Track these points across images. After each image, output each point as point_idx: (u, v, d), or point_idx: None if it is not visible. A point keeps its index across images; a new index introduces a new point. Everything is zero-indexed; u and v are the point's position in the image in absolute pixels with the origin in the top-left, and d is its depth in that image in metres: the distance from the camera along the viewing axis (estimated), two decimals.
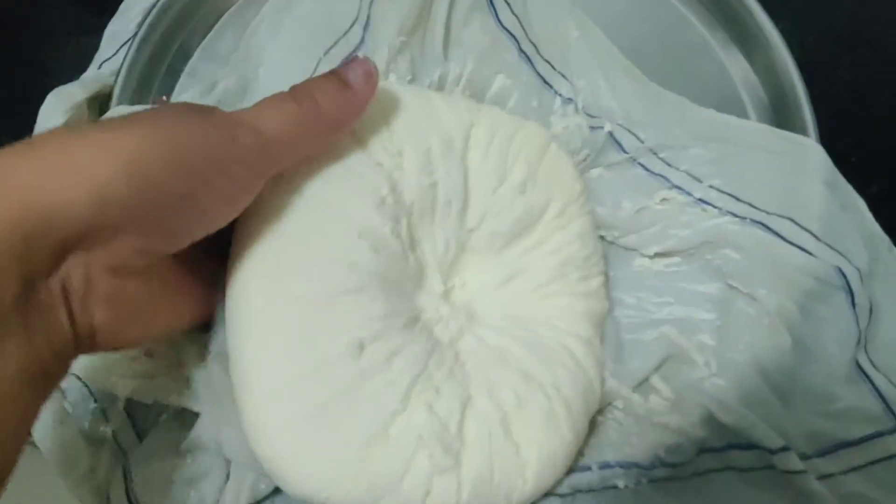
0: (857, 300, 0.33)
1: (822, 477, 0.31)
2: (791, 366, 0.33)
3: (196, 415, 0.30)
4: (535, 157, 0.33)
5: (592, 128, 0.38)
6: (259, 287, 0.27)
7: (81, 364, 0.31)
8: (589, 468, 0.32)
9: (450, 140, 0.32)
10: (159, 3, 0.40)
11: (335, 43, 0.39)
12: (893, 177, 0.36)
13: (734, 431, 0.32)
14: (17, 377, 0.20)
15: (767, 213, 0.35)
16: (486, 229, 0.32)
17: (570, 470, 0.31)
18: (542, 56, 0.40)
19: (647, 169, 0.37)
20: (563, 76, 0.40)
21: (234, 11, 0.43)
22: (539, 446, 0.29)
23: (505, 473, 0.28)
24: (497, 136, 0.33)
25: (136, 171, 0.22)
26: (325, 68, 0.38)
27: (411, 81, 0.39)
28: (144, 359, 0.31)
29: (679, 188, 0.37)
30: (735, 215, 0.35)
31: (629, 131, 0.38)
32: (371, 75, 0.27)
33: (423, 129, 0.31)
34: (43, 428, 0.30)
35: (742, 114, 0.40)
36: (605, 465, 0.32)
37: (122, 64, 0.40)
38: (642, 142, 0.37)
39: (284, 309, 0.27)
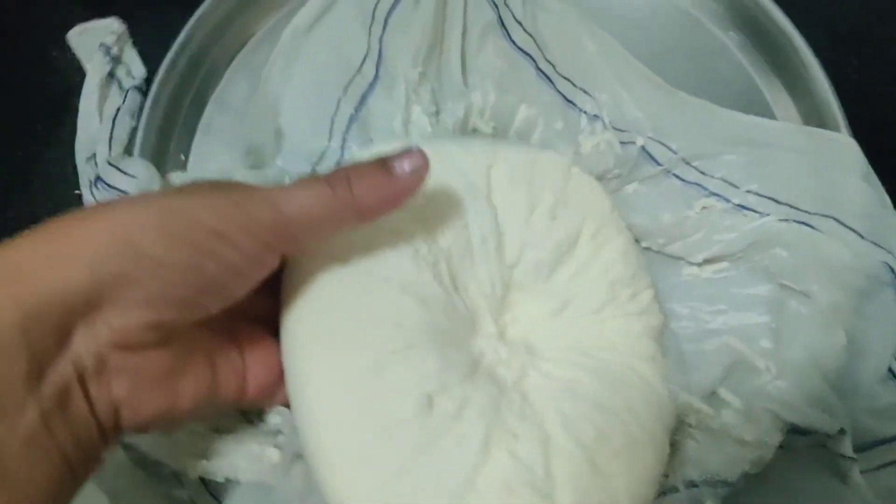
0: None
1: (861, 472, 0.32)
2: (844, 363, 0.33)
3: None
4: (559, 181, 0.33)
5: (623, 143, 0.38)
6: (317, 364, 0.27)
7: (150, 442, 0.30)
8: (676, 489, 0.31)
9: (472, 184, 0.32)
10: (166, 61, 0.40)
11: (351, 80, 0.38)
12: None
13: (799, 428, 0.33)
14: (34, 459, 0.20)
15: (809, 213, 0.35)
16: (527, 261, 0.32)
17: (661, 492, 0.31)
18: (560, 74, 0.40)
19: (682, 179, 0.37)
20: (585, 92, 0.39)
21: (241, 59, 0.42)
22: (626, 474, 0.29)
23: None
24: (517, 170, 0.33)
25: (131, 243, 0.22)
26: (345, 108, 0.37)
27: (436, 114, 0.38)
28: (212, 435, 0.30)
29: (717, 195, 0.37)
30: (778, 218, 0.35)
31: (660, 143, 0.37)
32: (419, 169, 0.27)
33: (442, 180, 0.31)
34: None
35: (768, 114, 0.40)
36: (691, 484, 0.32)
37: (137, 125, 0.39)
38: (675, 152, 0.37)
39: (346, 381, 0.27)
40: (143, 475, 0.31)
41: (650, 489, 0.30)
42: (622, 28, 0.41)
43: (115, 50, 0.41)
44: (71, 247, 0.21)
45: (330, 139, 0.37)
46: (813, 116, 0.39)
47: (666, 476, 0.31)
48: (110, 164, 0.36)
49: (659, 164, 0.37)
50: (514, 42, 0.41)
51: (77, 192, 0.39)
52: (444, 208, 0.30)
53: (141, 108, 0.40)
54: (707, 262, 0.36)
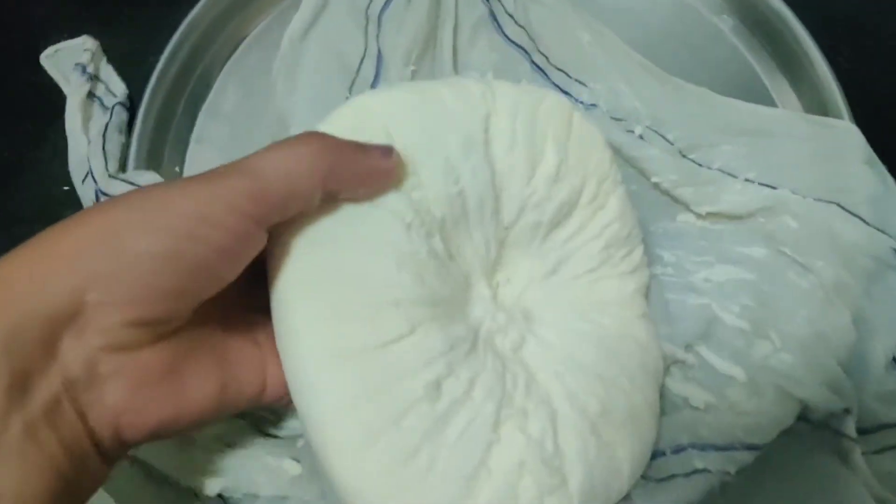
0: None
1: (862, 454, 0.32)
2: (851, 343, 0.33)
3: None
4: (562, 133, 0.31)
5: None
6: (313, 343, 0.26)
7: (163, 460, 0.30)
8: (663, 453, 0.32)
9: (468, 136, 0.29)
10: (156, 71, 0.39)
11: (353, 81, 0.38)
12: (894, 163, 0.36)
13: (806, 405, 0.32)
14: (21, 475, 0.20)
15: (814, 199, 0.35)
16: (525, 223, 0.31)
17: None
18: (554, 65, 0.40)
19: None
20: (581, 83, 0.39)
21: (231, 66, 0.42)
22: (629, 442, 0.29)
23: (605, 477, 0.28)
24: (519, 121, 0.30)
25: (113, 242, 0.22)
26: None
27: None
28: (227, 450, 0.30)
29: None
30: (783, 188, 0.35)
31: (658, 133, 0.37)
32: (391, 154, 0.27)
33: (435, 134, 0.29)
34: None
35: (769, 102, 0.40)
36: (678, 448, 0.32)
37: (129, 140, 0.39)
38: (672, 143, 0.37)
39: (346, 363, 0.25)
40: (155, 489, 0.30)
41: (648, 452, 0.30)
42: (615, 17, 0.41)
43: (91, 68, 0.40)
44: (54, 256, 0.21)
45: None
46: (814, 104, 0.39)
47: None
48: (113, 176, 0.36)
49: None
50: (506, 35, 0.41)
51: (66, 188, 0.38)
52: (436, 175, 0.28)
53: (129, 123, 0.39)
54: (710, 215, 0.36)
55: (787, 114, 0.37)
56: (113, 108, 0.39)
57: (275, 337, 0.27)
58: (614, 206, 0.32)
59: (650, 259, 0.35)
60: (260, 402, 0.28)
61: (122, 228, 0.22)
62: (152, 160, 0.39)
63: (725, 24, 0.42)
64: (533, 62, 0.40)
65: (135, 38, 0.42)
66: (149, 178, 0.36)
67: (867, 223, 0.34)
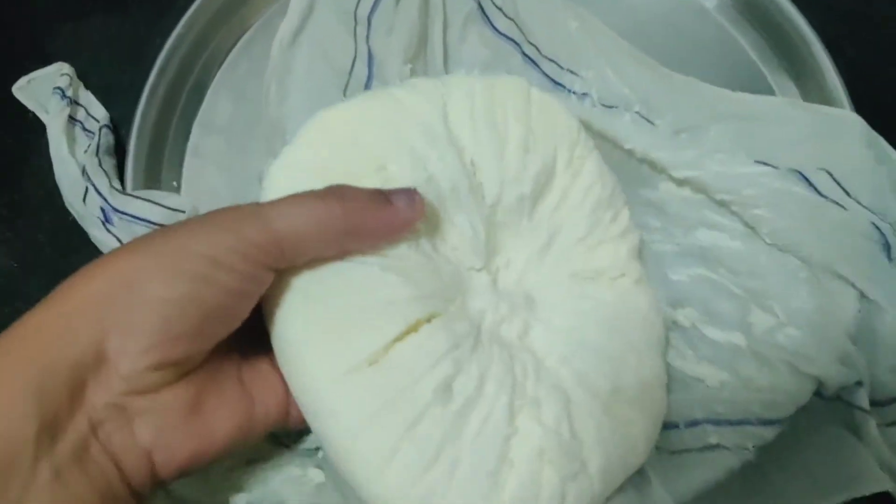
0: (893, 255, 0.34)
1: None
2: (857, 315, 0.34)
3: None
4: (522, 109, 0.32)
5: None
6: (317, 365, 0.26)
7: (185, 485, 0.29)
8: (676, 425, 0.32)
9: (428, 125, 0.30)
10: (148, 85, 0.39)
11: (347, 84, 0.37)
12: None
13: (819, 381, 0.33)
14: None
15: (801, 171, 0.35)
16: (509, 198, 0.31)
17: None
18: (545, 56, 0.40)
19: None
20: (572, 72, 0.39)
21: (221, 77, 0.41)
22: (642, 419, 0.29)
23: (622, 454, 0.28)
24: (477, 104, 0.31)
25: (131, 288, 0.23)
26: None
27: None
28: (248, 467, 0.30)
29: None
30: (767, 164, 0.35)
31: (647, 119, 0.37)
32: (415, 201, 0.27)
33: (396, 131, 0.30)
34: None
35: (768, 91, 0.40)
36: (692, 423, 0.32)
37: (124, 161, 0.38)
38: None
39: (354, 378, 0.25)
40: None
41: (660, 423, 0.31)
42: (610, 6, 0.41)
43: (69, 92, 0.39)
44: (77, 307, 0.22)
45: None
46: (816, 97, 0.39)
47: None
48: (121, 192, 0.36)
49: None
50: (496, 28, 0.41)
51: None
52: (404, 166, 0.29)
53: (117, 145, 0.39)
54: (688, 183, 0.36)
55: (778, 99, 0.37)
56: (100, 130, 0.39)
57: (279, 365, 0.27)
58: (591, 168, 0.33)
59: (637, 226, 0.35)
60: (286, 425, 0.28)
61: (140, 276, 0.23)
62: (150, 177, 0.39)
63: (725, 15, 0.42)
64: (524, 53, 0.40)
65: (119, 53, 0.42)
66: (158, 196, 0.36)
67: (849, 194, 0.34)
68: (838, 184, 0.34)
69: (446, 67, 0.40)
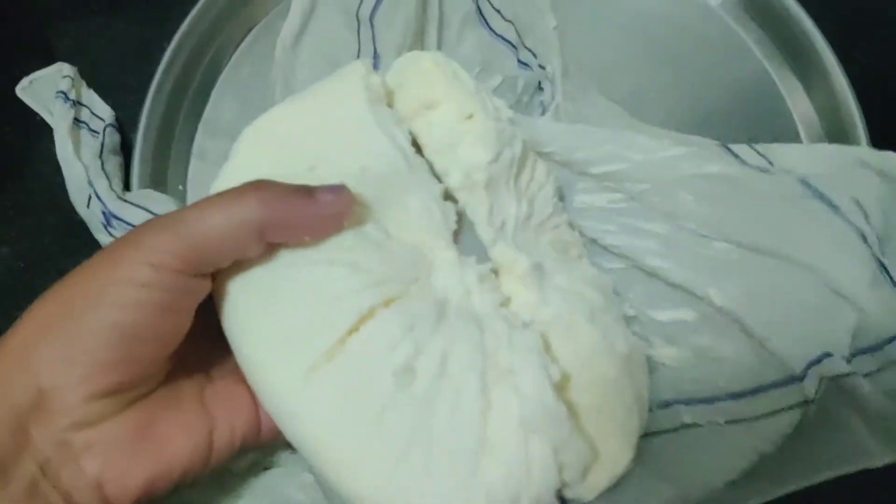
0: (835, 202, 0.31)
1: (866, 375, 0.30)
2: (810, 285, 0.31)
3: None
4: (439, 78, 0.32)
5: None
6: (276, 369, 0.25)
7: (203, 496, 0.30)
8: (650, 409, 0.31)
9: (352, 113, 0.30)
10: (151, 90, 0.39)
11: None
12: None
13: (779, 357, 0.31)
14: None
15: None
16: (475, 161, 0.30)
17: None
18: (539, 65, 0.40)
19: None
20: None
21: (225, 78, 0.42)
22: (631, 382, 0.29)
23: (618, 414, 0.28)
24: (393, 82, 0.32)
25: (51, 325, 0.23)
26: None
27: None
28: (262, 473, 0.30)
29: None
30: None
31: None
32: (341, 194, 0.26)
33: (322, 122, 0.30)
34: None
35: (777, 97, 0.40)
36: (664, 405, 0.31)
37: (130, 160, 0.39)
38: None
39: (314, 377, 0.25)
40: None
41: (647, 389, 0.30)
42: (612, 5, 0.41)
43: (72, 94, 0.40)
44: (6, 355, 0.23)
45: None
46: (825, 101, 0.39)
47: None
48: (121, 198, 0.36)
49: None
50: (493, 30, 0.41)
51: None
52: (332, 163, 0.28)
53: (123, 144, 0.40)
54: (605, 177, 0.34)
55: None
56: (104, 130, 0.39)
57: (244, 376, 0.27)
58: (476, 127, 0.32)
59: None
60: (259, 440, 0.27)
61: (63, 312, 0.23)
62: (156, 180, 0.39)
63: (730, 13, 0.42)
64: (519, 60, 0.41)
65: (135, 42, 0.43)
66: (155, 197, 0.36)
67: (759, 153, 0.33)
68: (754, 149, 0.33)
69: None
